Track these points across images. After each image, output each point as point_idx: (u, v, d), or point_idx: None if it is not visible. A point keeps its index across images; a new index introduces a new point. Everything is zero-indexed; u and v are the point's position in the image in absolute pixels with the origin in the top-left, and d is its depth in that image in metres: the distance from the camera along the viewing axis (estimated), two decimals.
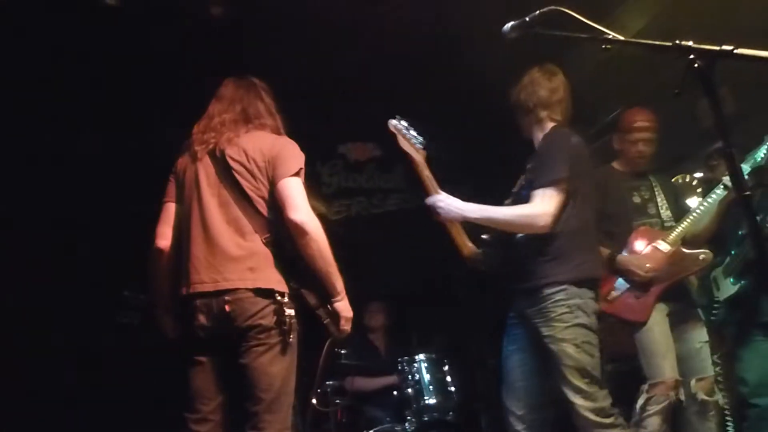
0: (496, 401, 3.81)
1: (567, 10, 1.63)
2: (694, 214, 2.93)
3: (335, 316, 2.23)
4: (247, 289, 2.08)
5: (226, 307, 2.06)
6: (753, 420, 2.98)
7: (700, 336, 2.96)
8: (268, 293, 2.09)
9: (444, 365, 3.81)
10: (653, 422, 2.79)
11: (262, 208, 2.20)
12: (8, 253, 3.55)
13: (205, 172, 2.25)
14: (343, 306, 2.25)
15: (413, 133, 2.48)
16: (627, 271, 2.93)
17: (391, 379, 4.02)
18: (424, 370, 3.74)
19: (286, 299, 2.11)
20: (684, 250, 2.95)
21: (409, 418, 3.68)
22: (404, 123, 2.44)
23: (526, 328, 2.48)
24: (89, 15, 3.49)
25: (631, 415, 2.80)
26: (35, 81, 3.74)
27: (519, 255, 2.50)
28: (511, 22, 1.74)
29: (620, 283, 2.97)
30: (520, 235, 2.51)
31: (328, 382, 3.67)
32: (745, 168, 2.75)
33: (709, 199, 2.89)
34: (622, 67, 4.12)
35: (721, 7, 3.50)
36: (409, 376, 3.74)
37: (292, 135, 2.37)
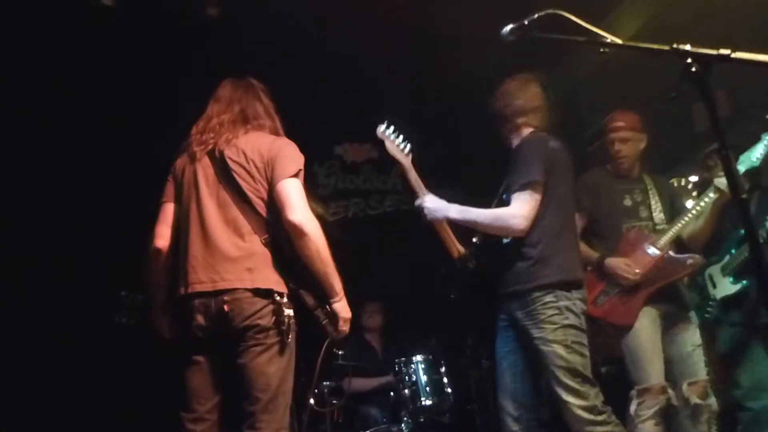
0: (491, 403, 3.84)
1: (565, 14, 1.65)
2: (685, 218, 2.94)
3: (333, 316, 2.24)
4: (245, 289, 2.08)
5: (225, 307, 2.06)
6: (746, 423, 3.02)
7: (692, 339, 2.96)
8: (266, 293, 2.09)
9: (441, 366, 3.82)
10: (647, 427, 2.80)
11: (261, 208, 2.20)
12: (6, 253, 3.55)
13: (204, 172, 2.25)
14: (342, 306, 2.25)
15: (400, 137, 2.53)
16: (614, 275, 2.94)
17: (388, 379, 4.02)
18: (421, 371, 3.75)
19: (284, 299, 2.11)
20: (672, 254, 2.96)
21: (405, 418, 3.68)
22: (391, 128, 2.49)
23: (516, 330, 2.51)
24: (85, 16, 3.49)
25: (624, 417, 2.81)
26: (33, 81, 3.73)
27: (505, 258, 2.54)
28: (510, 26, 1.76)
29: (609, 286, 2.99)
30: (506, 239, 2.56)
31: (325, 383, 3.67)
32: (740, 169, 2.77)
33: (701, 203, 2.90)
34: (618, 71, 4.14)
35: (716, 11, 3.53)
36: (406, 377, 3.75)
37: (289, 136, 2.37)
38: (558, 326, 2.37)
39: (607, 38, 1.58)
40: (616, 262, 2.94)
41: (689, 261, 2.95)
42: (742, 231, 3.07)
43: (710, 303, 3.15)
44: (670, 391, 2.85)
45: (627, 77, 4.17)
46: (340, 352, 3.73)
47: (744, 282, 3.06)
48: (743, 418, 3.05)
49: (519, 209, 2.42)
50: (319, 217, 2.21)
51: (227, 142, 2.25)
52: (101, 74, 3.84)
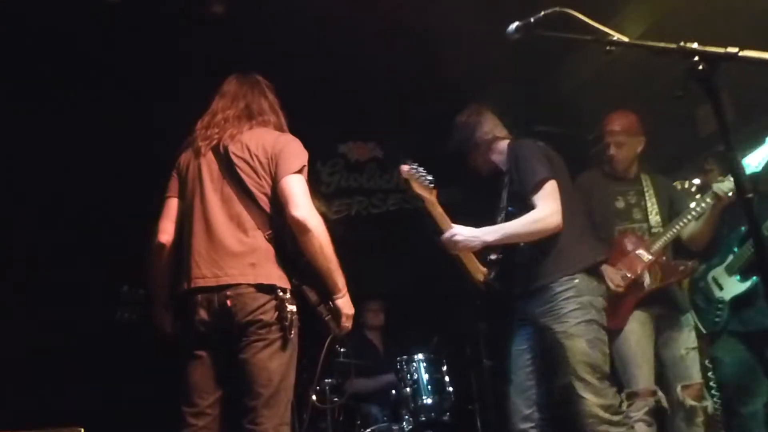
0: (492, 403, 3.84)
1: (572, 12, 1.64)
2: (680, 223, 2.92)
3: (336, 312, 2.24)
4: (248, 284, 2.08)
5: (228, 302, 2.06)
6: (735, 428, 3.01)
7: (686, 342, 2.95)
8: (269, 289, 2.09)
9: (442, 365, 3.82)
10: (639, 428, 2.80)
11: (265, 204, 2.20)
12: (6, 249, 3.55)
13: (208, 168, 2.25)
14: (345, 303, 2.25)
15: (423, 173, 2.52)
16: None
17: (389, 379, 4.02)
18: (422, 370, 3.75)
19: (287, 295, 2.11)
20: (665, 260, 2.94)
21: (406, 417, 3.68)
22: (414, 166, 2.49)
23: (535, 328, 2.52)
24: (89, 12, 3.49)
25: None
26: (34, 77, 3.74)
27: (524, 260, 2.57)
28: (516, 23, 1.75)
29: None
30: (522, 243, 2.57)
31: (326, 380, 3.67)
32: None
33: (698, 207, 2.88)
34: (622, 73, 4.14)
35: (722, 13, 3.52)
36: (408, 375, 3.75)
37: (293, 134, 2.37)
38: (580, 321, 2.38)
39: (613, 36, 1.57)
40: (603, 269, 2.92)
41: (681, 267, 2.94)
42: (743, 228, 3.03)
43: (718, 306, 3.07)
44: (659, 393, 2.85)
45: (630, 79, 4.16)
46: (342, 350, 3.73)
47: (754, 278, 2.98)
48: (732, 423, 3.05)
49: (549, 206, 2.43)
50: (323, 216, 2.21)
51: (232, 138, 2.25)
52: (101, 74, 3.84)
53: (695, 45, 1.41)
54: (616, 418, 2.32)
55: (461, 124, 2.79)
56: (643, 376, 2.83)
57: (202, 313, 2.11)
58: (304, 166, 2.21)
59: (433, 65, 4.13)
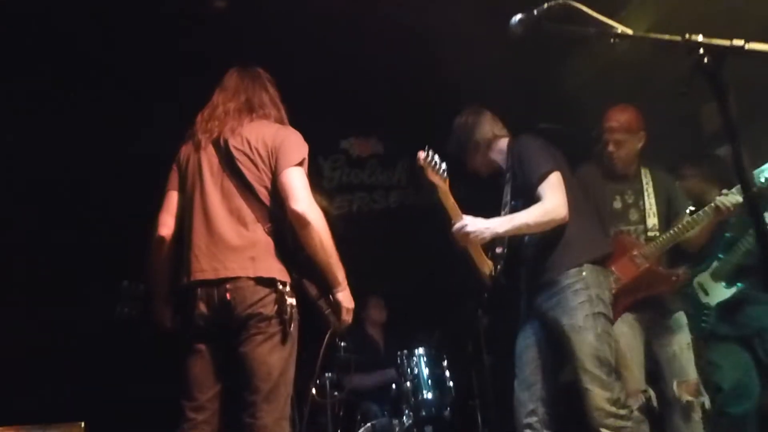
0: (492, 399, 3.83)
1: (575, 4, 1.62)
2: (676, 229, 2.89)
3: (336, 306, 2.24)
4: (248, 277, 2.07)
5: (227, 296, 2.06)
6: (727, 428, 3.02)
7: (680, 340, 2.94)
8: (269, 282, 2.09)
9: (443, 360, 3.82)
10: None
11: (265, 197, 2.19)
12: (7, 247, 3.55)
13: (209, 161, 2.24)
14: (345, 297, 2.25)
15: (438, 162, 2.50)
16: None
17: (389, 375, 4.01)
18: (423, 365, 3.75)
19: (287, 289, 2.11)
20: (658, 267, 2.91)
21: (406, 412, 3.68)
22: (430, 153, 2.46)
23: (541, 322, 2.52)
24: (85, 14, 3.49)
25: None
26: (35, 69, 3.73)
27: (530, 253, 2.58)
28: (519, 15, 1.73)
29: None
30: (527, 237, 2.56)
31: (326, 374, 3.66)
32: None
33: (696, 217, 2.86)
34: (624, 71, 4.12)
35: (728, 9, 3.50)
36: (408, 370, 3.74)
37: (294, 129, 2.35)
38: (588, 313, 2.38)
39: (618, 29, 1.55)
40: None
41: (674, 277, 2.92)
42: (728, 234, 3.08)
43: (705, 312, 3.11)
44: (650, 392, 2.85)
45: (634, 76, 4.14)
46: (342, 344, 3.72)
47: (739, 285, 3.05)
48: (723, 423, 3.05)
49: (556, 198, 2.44)
50: (324, 211, 2.20)
51: (232, 131, 2.24)
52: (101, 73, 3.84)
53: (700, 38, 1.40)
54: (622, 411, 2.31)
55: (460, 126, 2.79)
56: (632, 377, 2.82)
57: (202, 307, 2.10)
58: (305, 159, 2.20)
59: (435, 62, 4.12)
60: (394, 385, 3.95)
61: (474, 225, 2.48)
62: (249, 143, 2.21)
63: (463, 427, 3.81)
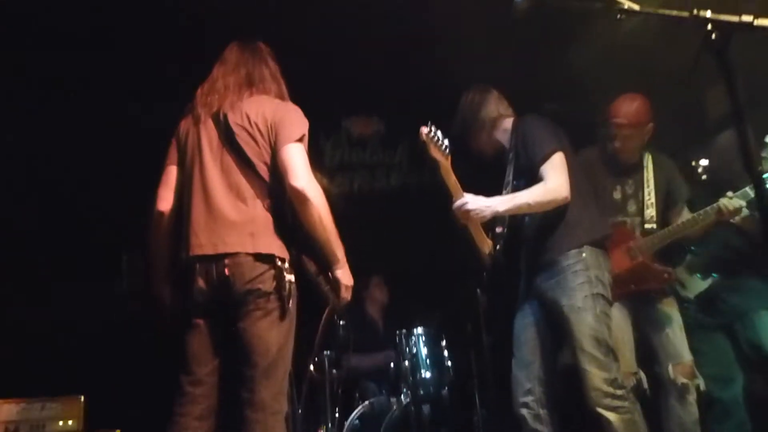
0: (491, 379, 3.84)
1: None
2: (675, 227, 2.90)
3: (335, 283, 2.23)
4: (247, 253, 2.07)
5: (226, 271, 2.05)
6: (718, 414, 3.08)
7: (672, 323, 2.95)
8: (268, 258, 2.08)
9: (441, 340, 3.83)
10: None
11: (264, 173, 2.18)
12: (3, 217, 3.55)
13: (208, 136, 2.22)
14: (344, 274, 2.24)
15: (441, 138, 2.47)
16: None
17: (388, 356, 4.03)
18: (421, 344, 3.76)
19: (286, 265, 2.10)
20: (652, 262, 2.91)
21: (404, 390, 3.70)
22: (433, 129, 2.43)
23: (540, 302, 2.53)
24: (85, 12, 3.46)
25: None
26: (35, 44, 3.69)
27: (530, 233, 2.57)
28: None
29: None
30: (527, 217, 2.55)
31: (325, 352, 3.68)
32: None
33: (698, 217, 2.86)
34: (630, 52, 4.08)
35: None
36: (407, 350, 3.75)
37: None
38: (587, 294, 2.39)
39: (624, 4, 1.53)
40: None
41: (665, 274, 2.92)
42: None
43: (685, 304, 3.14)
44: (641, 374, 2.86)
45: (639, 57, 4.10)
46: (341, 322, 3.73)
47: (714, 275, 3.11)
48: (716, 409, 3.11)
49: (557, 178, 2.43)
50: (324, 190, 2.18)
51: (231, 106, 2.22)
52: (100, 73, 3.80)
53: (708, 13, 1.37)
54: (619, 392, 2.32)
55: (466, 104, 2.77)
56: (623, 359, 2.82)
57: (200, 282, 2.10)
58: (305, 135, 2.18)
59: (438, 41, 4.07)
60: (392, 364, 3.96)
61: (474, 203, 2.47)
62: (248, 118, 2.19)
63: (461, 407, 3.83)
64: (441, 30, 3.93)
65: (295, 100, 2.38)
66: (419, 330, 3.79)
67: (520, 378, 2.53)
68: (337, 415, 3.67)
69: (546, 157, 2.45)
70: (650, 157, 3.10)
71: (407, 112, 4.55)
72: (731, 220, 2.84)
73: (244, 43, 2.40)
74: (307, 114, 2.27)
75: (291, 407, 2.47)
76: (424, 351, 3.74)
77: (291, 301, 2.08)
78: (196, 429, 2.08)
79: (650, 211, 3.00)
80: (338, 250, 2.21)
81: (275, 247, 2.11)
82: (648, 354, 2.95)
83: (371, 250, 4.09)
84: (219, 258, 2.07)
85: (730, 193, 2.81)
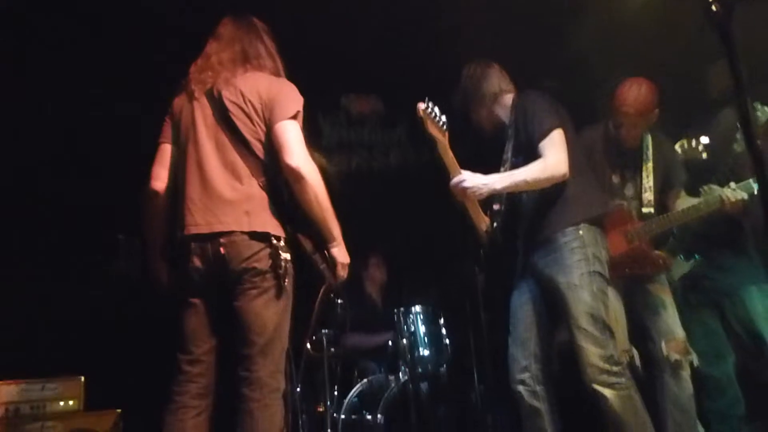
0: (489, 356, 3.86)
1: None
2: (674, 214, 2.89)
3: (331, 261, 2.22)
4: (242, 232, 2.05)
5: (221, 250, 2.04)
6: (710, 390, 3.13)
7: (663, 300, 2.95)
8: (263, 237, 2.07)
9: (439, 318, 3.84)
10: None
11: (259, 151, 2.15)
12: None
13: (202, 113, 2.19)
14: (340, 252, 2.23)
15: (438, 114, 2.43)
16: None
17: (387, 336, 4.04)
18: (419, 322, 3.78)
19: (282, 243, 2.09)
20: (648, 247, 2.89)
21: (402, 368, 3.72)
22: (431, 104, 2.39)
23: (536, 280, 2.52)
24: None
25: None
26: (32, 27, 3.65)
27: (527, 211, 2.55)
28: None
29: None
30: (524, 195, 2.53)
31: (323, 331, 3.69)
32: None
33: (699, 205, 2.85)
34: (632, 29, 4.03)
35: None
36: (405, 328, 3.77)
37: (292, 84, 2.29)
38: (584, 272, 2.38)
39: None
40: None
41: (660, 261, 2.90)
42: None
43: (671, 286, 3.14)
44: (633, 351, 2.87)
45: (641, 35, 4.05)
46: (339, 301, 3.73)
47: (695, 256, 3.13)
48: (707, 385, 3.15)
49: (557, 154, 2.40)
50: (322, 169, 2.16)
51: (225, 82, 2.19)
52: (98, 71, 3.76)
53: None
54: (615, 368, 2.32)
55: (467, 77, 2.73)
56: (616, 337, 2.84)
57: (196, 261, 2.09)
58: (299, 111, 2.15)
59: (438, 18, 4.02)
60: (390, 342, 3.98)
61: (472, 180, 2.45)
62: (243, 95, 2.16)
63: (459, 384, 3.86)
64: (441, 6, 3.88)
65: (293, 77, 2.34)
66: (417, 308, 3.81)
67: (516, 355, 2.53)
68: (336, 393, 3.70)
69: (545, 134, 2.42)
70: (650, 139, 3.07)
71: (406, 89, 4.51)
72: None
73: (239, 18, 2.36)
74: (305, 92, 2.24)
75: (289, 385, 2.47)
76: (422, 329, 3.76)
77: (287, 280, 2.07)
78: (194, 408, 2.09)
79: (648, 195, 2.98)
80: (334, 228, 2.19)
81: (270, 225, 2.09)
82: (640, 332, 2.96)
83: (370, 230, 4.09)
84: (214, 237, 2.06)
85: (732, 185, 2.80)
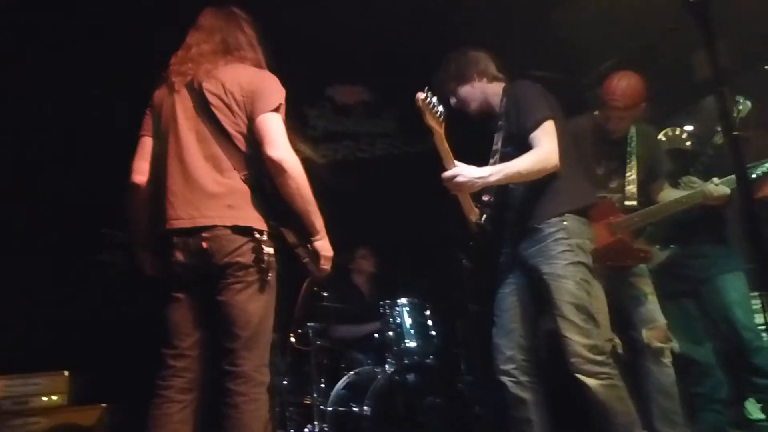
0: (477, 347, 3.88)
1: None
2: (658, 207, 2.91)
3: (315, 254, 2.20)
4: (225, 226, 2.03)
5: (204, 244, 2.02)
6: (695, 375, 3.18)
7: (643, 288, 2.97)
8: (246, 231, 2.05)
9: (425, 310, 3.84)
10: None
11: (241, 144, 2.13)
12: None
13: (183, 105, 2.17)
14: (323, 245, 2.21)
15: (436, 104, 2.38)
16: None
17: (374, 326, 4.04)
18: (405, 314, 3.78)
19: (264, 237, 2.07)
20: (630, 240, 2.91)
21: (389, 360, 3.72)
22: (429, 94, 2.34)
23: (522, 270, 2.51)
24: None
25: None
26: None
27: (515, 202, 2.54)
28: None
29: None
30: (513, 185, 2.52)
31: (309, 324, 3.68)
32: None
33: (682, 199, 2.87)
34: (618, 19, 4.03)
35: None
36: (391, 320, 3.77)
37: (278, 76, 2.25)
38: (569, 262, 2.37)
39: None
40: None
41: (642, 253, 2.92)
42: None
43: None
44: (616, 340, 2.87)
45: (627, 24, 4.05)
46: (325, 294, 3.73)
47: (671, 246, 3.14)
48: (693, 371, 3.19)
49: (548, 145, 2.39)
50: (307, 159, 2.15)
51: (206, 74, 2.16)
52: (98, 71, 3.71)
53: None
54: (599, 358, 2.33)
55: (454, 57, 2.69)
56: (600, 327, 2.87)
57: (179, 255, 2.07)
58: (281, 104, 2.13)
59: (424, 5, 4.00)
60: (376, 335, 3.98)
61: (466, 174, 2.42)
62: (224, 87, 2.13)
63: (446, 374, 3.87)
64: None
65: (278, 67, 2.31)
66: (403, 300, 3.80)
67: (500, 345, 2.53)
68: (323, 384, 3.71)
69: (537, 124, 2.41)
70: (636, 131, 3.08)
71: (393, 80, 4.49)
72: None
73: (219, 9, 2.32)
74: (290, 82, 2.21)
75: (275, 378, 2.47)
76: (408, 321, 3.76)
77: (270, 273, 2.06)
78: (179, 402, 2.08)
79: (631, 188, 2.99)
80: (317, 221, 2.17)
81: (253, 219, 2.08)
82: (622, 321, 2.98)
83: (357, 221, 4.08)
84: (197, 231, 2.04)
85: (716, 180, 2.81)
